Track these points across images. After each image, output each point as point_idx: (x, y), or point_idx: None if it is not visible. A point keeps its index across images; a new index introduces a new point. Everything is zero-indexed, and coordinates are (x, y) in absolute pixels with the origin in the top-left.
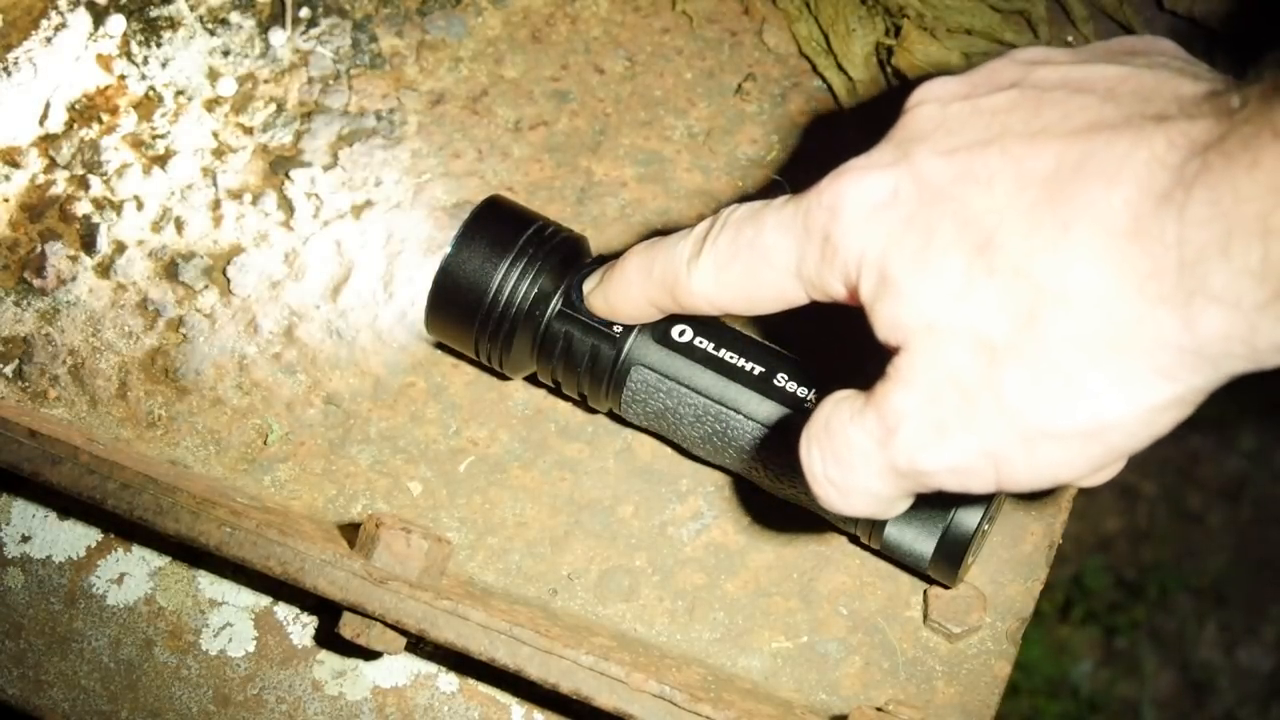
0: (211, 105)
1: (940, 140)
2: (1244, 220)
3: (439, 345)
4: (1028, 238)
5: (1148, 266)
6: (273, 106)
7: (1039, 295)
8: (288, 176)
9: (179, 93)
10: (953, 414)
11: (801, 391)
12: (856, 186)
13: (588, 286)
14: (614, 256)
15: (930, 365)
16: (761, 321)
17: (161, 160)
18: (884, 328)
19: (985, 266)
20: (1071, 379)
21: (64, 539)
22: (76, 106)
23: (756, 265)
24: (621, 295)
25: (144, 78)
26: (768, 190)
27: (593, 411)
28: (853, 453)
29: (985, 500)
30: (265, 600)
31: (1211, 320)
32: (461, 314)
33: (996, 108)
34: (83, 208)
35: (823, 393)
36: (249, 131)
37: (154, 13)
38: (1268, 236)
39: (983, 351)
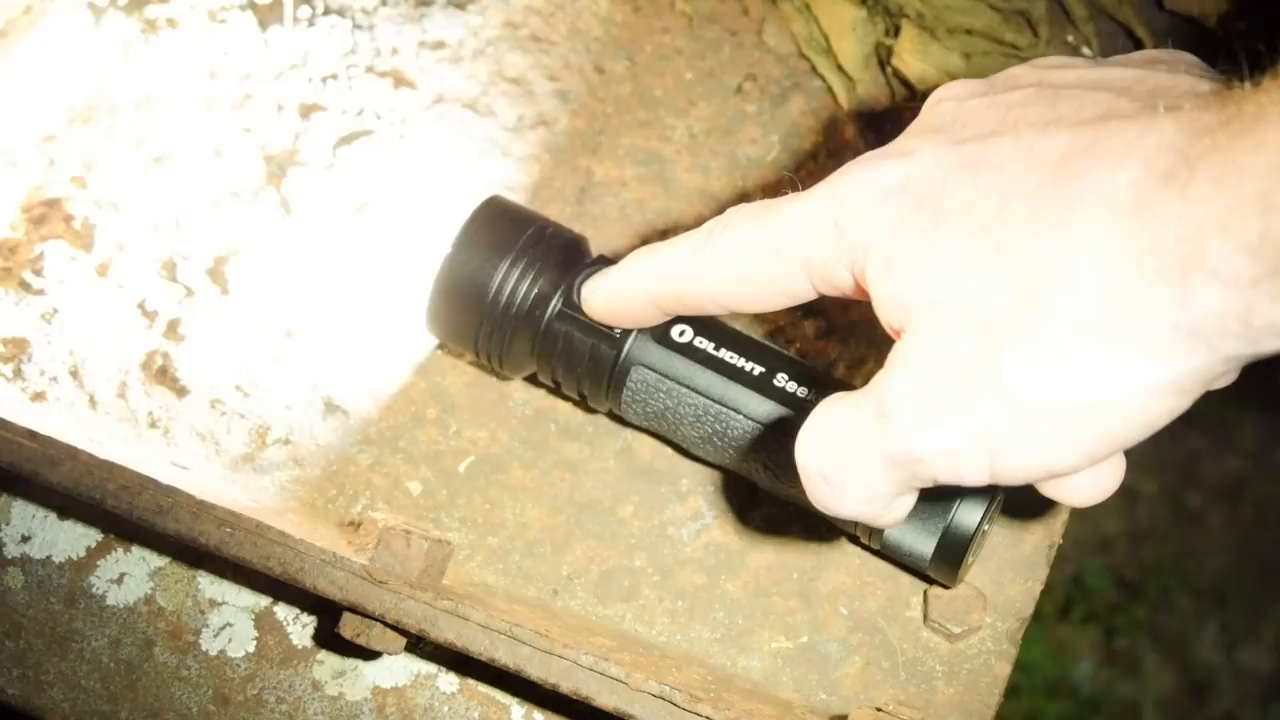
0: (211, 105)
1: (956, 131)
2: (1245, 197)
3: (439, 345)
4: (1033, 216)
5: (1148, 243)
6: (273, 106)
7: (1040, 272)
8: (287, 176)
9: (179, 92)
10: (949, 395)
11: (801, 391)
12: (869, 174)
13: (586, 290)
14: (614, 256)
15: (929, 346)
16: (767, 325)
17: (161, 160)
18: (887, 309)
19: (991, 244)
20: (1068, 357)
21: (64, 539)
22: (76, 106)
23: (763, 257)
24: (623, 295)
25: (144, 78)
26: (777, 189)
27: (593, 411)
28: (848, 445)
29: (985, 499)
30: (265, 600)
31: (1207, 296)
32: (461, 314)
33: (1012, 103)
34: (83, 208)
35: (823, 393)
36: (249, 131)
37: (154, 12)
38: (1267, 213)
39: (982, 330)
